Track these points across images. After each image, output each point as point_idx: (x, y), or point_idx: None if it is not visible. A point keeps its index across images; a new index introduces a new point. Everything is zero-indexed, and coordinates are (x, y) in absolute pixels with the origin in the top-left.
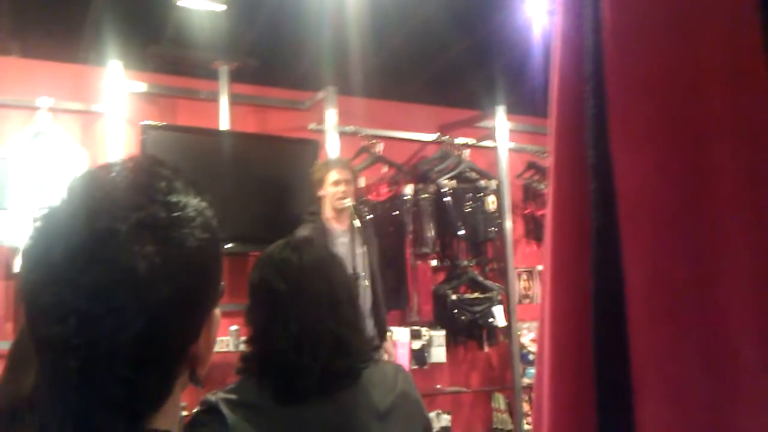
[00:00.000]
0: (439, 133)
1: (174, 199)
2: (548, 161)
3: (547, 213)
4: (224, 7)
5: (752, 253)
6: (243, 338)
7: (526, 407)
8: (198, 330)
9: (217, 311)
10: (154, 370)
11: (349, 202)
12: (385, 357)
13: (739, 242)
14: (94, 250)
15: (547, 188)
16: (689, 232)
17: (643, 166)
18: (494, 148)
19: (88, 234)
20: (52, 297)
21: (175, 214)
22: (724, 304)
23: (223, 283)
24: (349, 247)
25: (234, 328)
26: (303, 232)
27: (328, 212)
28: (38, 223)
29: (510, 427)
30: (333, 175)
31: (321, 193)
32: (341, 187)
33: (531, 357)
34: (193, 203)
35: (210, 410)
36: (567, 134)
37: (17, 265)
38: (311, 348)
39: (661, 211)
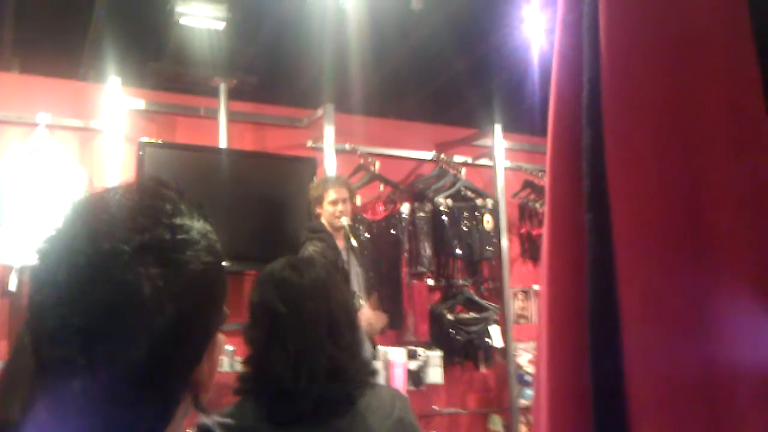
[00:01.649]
0: (435, 152)
1: (179, 221)
2: (545, 186)
3: (544, 242)
4: (224, 25)
5: (748, 286)
6: (239, 358)
7: (523, 429)
8: (201, 354)
9: (221, 336)
10: (156, 393)
11: (345, 221)
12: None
13: (735, 276)
14: (98, 270)
15: (544, 215)
16: (686, 265)
17: (639, 199)
18: (491, 167)
19: (93, 255)
20: (57, 318)
21: (180, 236)
22: (721, 335)
23: (226, 309)
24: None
25: (230, 348)
26: (313, 248)
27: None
28: (44, 245)
29: None
30: (331, 194)
31: (318, 211)
32: (339, 206)
33: (528, 378)
34: (198, 226)
35: None
36: (563, 162)
37: (12, 284)
38: (308, 372)
39: (657, 243)
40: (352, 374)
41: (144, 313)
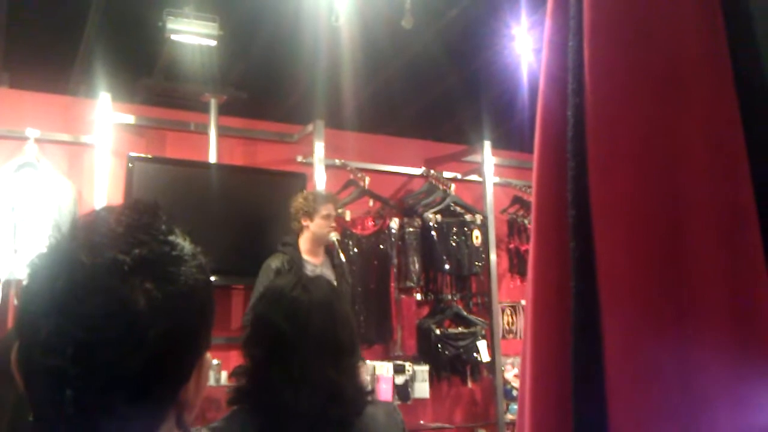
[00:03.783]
0: (425, 167)
1: (173, 239)
2: (531, 205)
3: (530, 263)
4: (215, 42)
5: (730, 318)
6: (225, 373)
7: None
8: (189, 372)
9: (209, 357)
10: (144, 408)
11: (335, 236)
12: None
13: (716, 308)
14: (95, 281)
15: (530, 244)
16: (668, 298)
17: (623, 230)
18: (480, 183)
19: (91, 265)
20: (51, 327)
21: (175, 253)
22: (701, 365)
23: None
24: None
25: (216, 362)
26: (274, 262)
27: (304, 244)
28: (38, 259)
29: None
30: (326, 209)
31: (305, 223)
32: (332, 222)
33: (515, 393)
34: (190, 247)
35: None
36: (549, 188)
37: None
38: (309, 394)
39: (639, 275)
40: (350, 397)
41: (138, 325)
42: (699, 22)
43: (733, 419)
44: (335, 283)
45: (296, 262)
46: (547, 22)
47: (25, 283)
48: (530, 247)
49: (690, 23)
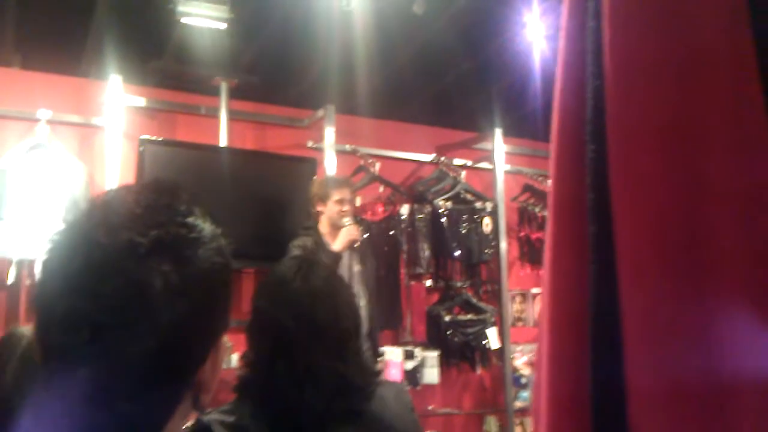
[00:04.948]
0: (436, 154)
1: (192, 221)
2: (548, 192)
3: (546, 249)
4: (226, 25)
5: (750, 300)
6: (236, 355)
7: (518, 431)
8: (206, 354)
9: (225, 339)
10: (159, 390)
11: (348, 221)
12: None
13: (736, 291)
14: (112, 262)
15: (545, 220)
16: (687, 276)
17: (643, 213)
18: (491, 170)
19: (108, 246)
20: (68, 306)
21: (193, 235)
22: (721, 345)
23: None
24: (345, 265)
25: (228, 345)
26: (297, 242)
27: (324, 228)
28: (58, 236)
29: None
30: (337, 194)
31: (320, 209)
32: (345, 207)
33: (524, 380)
34: (210, 228)
35: (203, 431)
36: (567, 172)
37: (10, 277)
38: (314, 387)
39: (659, 256)
40: (359, 385)
41: (154, 307)
42: (722, 4)
43: (756, 398)
44: (360, 267)
45: (320, 245)
46: (564, 5)
47: (43, 259)
48: (547, 232)
49: (713, 4)
